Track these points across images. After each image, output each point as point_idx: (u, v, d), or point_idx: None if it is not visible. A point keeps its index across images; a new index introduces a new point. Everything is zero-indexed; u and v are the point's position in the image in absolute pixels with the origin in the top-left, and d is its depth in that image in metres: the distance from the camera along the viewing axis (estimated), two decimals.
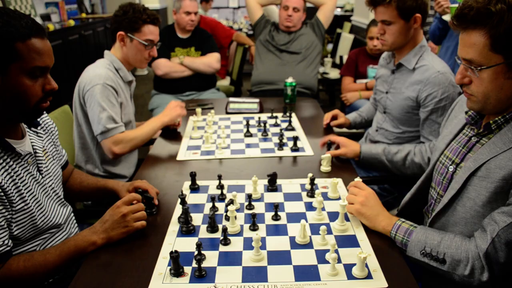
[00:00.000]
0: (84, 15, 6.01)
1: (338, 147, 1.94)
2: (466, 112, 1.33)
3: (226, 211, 1.39)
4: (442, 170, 1.40)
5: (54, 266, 1.22)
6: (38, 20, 4.74)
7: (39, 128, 1.40)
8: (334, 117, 2.31)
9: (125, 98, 2.14)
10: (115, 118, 1.97)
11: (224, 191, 1.59)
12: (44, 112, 1.42)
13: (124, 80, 2.15)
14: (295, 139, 1.99)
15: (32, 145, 1.33)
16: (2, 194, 1.15)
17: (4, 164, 1.19)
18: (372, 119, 2.39)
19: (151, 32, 2.11)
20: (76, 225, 1.53)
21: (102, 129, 1.94)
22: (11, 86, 1.14)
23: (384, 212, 1.35)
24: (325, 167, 1.77)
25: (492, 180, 1.16)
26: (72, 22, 4.92)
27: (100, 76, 1.98)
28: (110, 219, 1.30)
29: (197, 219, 1.42)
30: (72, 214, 1.51)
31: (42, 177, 1.33)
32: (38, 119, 1.39)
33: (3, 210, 1.16)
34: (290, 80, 2.67)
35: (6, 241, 1.16)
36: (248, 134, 2.17)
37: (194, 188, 1.63)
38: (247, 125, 2.19)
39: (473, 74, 1.18)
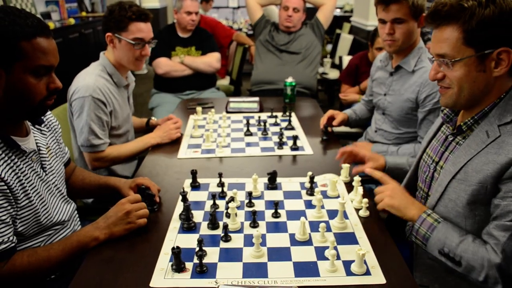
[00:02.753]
0: (84, 13, 6.02)
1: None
2: (442, 111, 1.38)
3: (227, 208, 1.41)
4: (425, 168, 1.45)
5: (57, 261, 1.24)
6: None
7: (43, 125, 1.42)
8: (331, 118, 2.28)
9: (118, 104, 2.08)
10: (99, 134, 1.95)
11: (225, 189, 1.61)
12: (48, 110, 1.44)
13: (118, 85, 2.08)
14: (295, 138, 2.01)
15: (36, 143, 1.34)
16: (7, 190, 1.16)
17: (9, 161, 1.20)
18: (364, 118, 2.42)
19: (139, 29, 1.99)
20: (79, 222, 1.55)
21: (86, 143, 1.94)
22: (16, 85, 1.15)
23: (414, 202, 1.36)
24: (344, 178, 1.71)
25: (470, 183, 1.20)
26: (72, 21, 4.93)
27: (88, 87, 1.91)
28: (114, 215, 1.32)
29: (198, 216, 1.44)
30: (76, 212, 1.53)
31: (46, 174, 1.34)
32: (42, 117, 1.40)
33: (8, 207, 1.17)
34: (289, 80, 2.69)
35: (11, 238, 1.18)
36: (248, 133, 2.18)
37: (195, 186, 1.65)
38: (247, 124, 2.21)
39: (446, 68, 1.23)
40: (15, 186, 1.19)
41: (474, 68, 1.19)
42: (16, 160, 1.23)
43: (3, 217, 1.16)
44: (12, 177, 1.19)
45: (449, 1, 1.17)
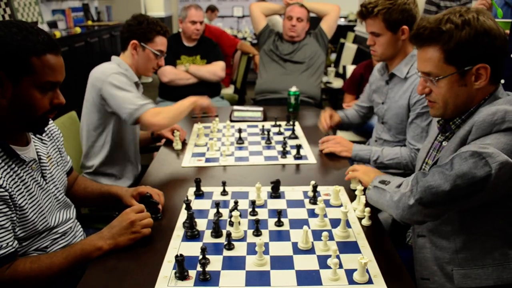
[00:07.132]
0: (90, 22, 6.08)
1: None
2: (438, 122, 1.44)
3: (230, 216, 1.42)
4: None
5: (59, 269, 1.24)
6: (45, 27, 4.80)
7: (44, 135, 1.43)
8: (330, 116, 2.33)
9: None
10: (138, 98, 2.02)
11: (228, 198, 1.62)
12: (50, 119, 1.45)
13: (130, 81, 2.16)
14: (298, 147, 2.02)
15: (37, 152, 1.36)
16: (7, 197, 1.18)
17: (8, 169, 1.22)
18: (355, 123, 2.46)
19: (162, 43, 2.21)
20: (81, 229, 1.55)
21: (135, 107, 1.95)
22: (21, 97, 1.18)
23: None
24: (355, 185, 1.69)
25: (443, 162, 1.27)
26: (78, 30, 4.98)
27: (111, 68, 2.07)
28: (118, 225, 1.33)
29: (201, 224, 1.45)
30: (76, 220, 1.53)
31: (46, 183, 1.36)
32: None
33: (9, 212, 1.19)
34: (293, 89, 2.70)
35: (10, 243, 1.18)
36: (240, 141, 2.19)
37: (199, 194, 1.66)
38: (239, 131, 2.22)
39: (432, 85, 1.33)
40: (14, 194, 1.21)
41: (456, 83, 1.29)
42: (16, 168, 1.24)
43: (3, 223, 1.17)
44: (12, 185, 1.21)
45: (429, 24, 1.28)
